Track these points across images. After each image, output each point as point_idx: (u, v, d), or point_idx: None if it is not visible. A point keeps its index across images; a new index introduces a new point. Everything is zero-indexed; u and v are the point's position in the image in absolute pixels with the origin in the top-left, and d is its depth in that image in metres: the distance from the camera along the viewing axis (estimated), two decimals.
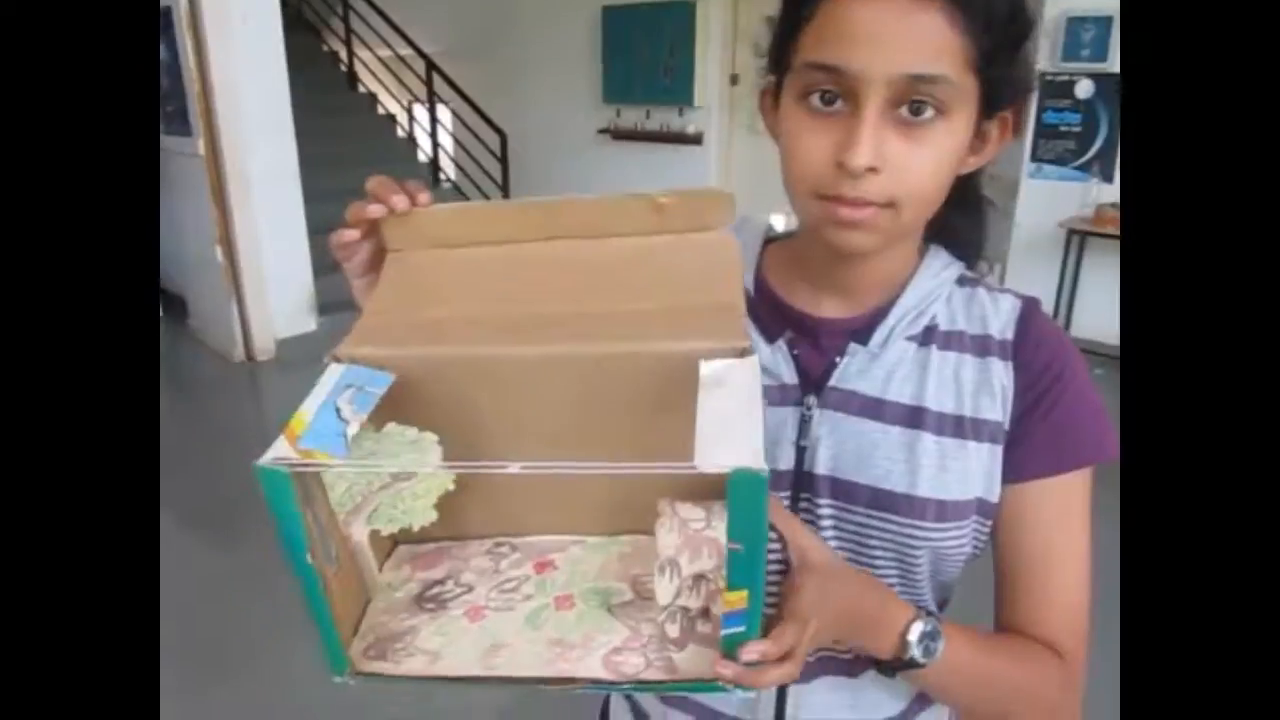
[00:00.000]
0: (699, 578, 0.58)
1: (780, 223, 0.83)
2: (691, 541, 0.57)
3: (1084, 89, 4.66)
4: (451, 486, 0.62)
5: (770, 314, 0.74)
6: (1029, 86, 0.67)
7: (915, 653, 0.64)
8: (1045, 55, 4.72)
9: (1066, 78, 4.70)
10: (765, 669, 0.55)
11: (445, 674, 0.59)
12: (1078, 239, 4.68)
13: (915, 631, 0.64)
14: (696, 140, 6.63)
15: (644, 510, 0.60)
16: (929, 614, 0.65)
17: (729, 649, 0.55)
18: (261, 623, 2.60)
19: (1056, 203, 4.78)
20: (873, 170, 0.59)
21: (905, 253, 0.72)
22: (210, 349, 5.04)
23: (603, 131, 7.21)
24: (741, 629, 0.54)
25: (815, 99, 0.61)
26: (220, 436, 4.06)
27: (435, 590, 0.66)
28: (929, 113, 0.59)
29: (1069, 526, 0.70)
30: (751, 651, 0.54)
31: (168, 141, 4.72)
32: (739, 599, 0.52)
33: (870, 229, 0.62)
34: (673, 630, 0.59)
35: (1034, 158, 4.89)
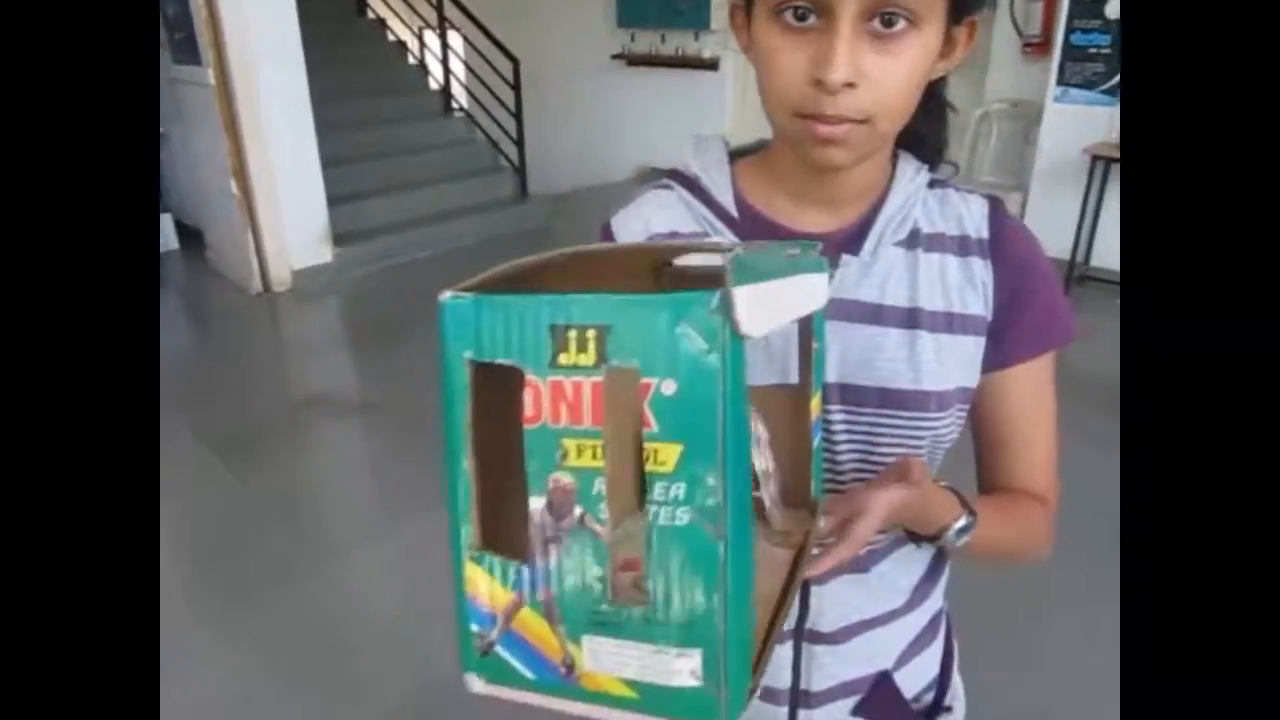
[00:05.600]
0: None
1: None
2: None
3: (1114, 8, 4.47)
4: None
5: (757, 232, 0.75)
6: None
7: (950, 540, 0.70)
8: None
9: None
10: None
11: None
12: (1102, 166, 4.57)
13: (954, 529, 0.70)
14: (712, 66, 6.48)
15: None
16: (971, 511, 0.70)
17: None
18: (280, 548, 2.68)
19: (1082, 128, 4.65)
20: (850, 85, 0.60)
21: (880, 162, 0.74)
22: (228, 281, 5.07)
23: (617, 57, 7.06)
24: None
25: (788, 15, 0.61)
26: (240, 368, 4.11)
27: None
28: (901, 23, 0.60)
29: (1044, 397, 0.79)
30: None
31: (179, 71, 4.67)
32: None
33: (848, 144, 0.64)
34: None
35: (1060, 81, 4.75)
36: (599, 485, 0.44)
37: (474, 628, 0.48)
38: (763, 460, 0.60)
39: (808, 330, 0.63)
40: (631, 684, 0.45)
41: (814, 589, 0.78)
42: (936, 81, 0.72)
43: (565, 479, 0.44)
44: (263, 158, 4.64)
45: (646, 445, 0.43)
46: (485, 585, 0.47)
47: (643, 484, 0.44)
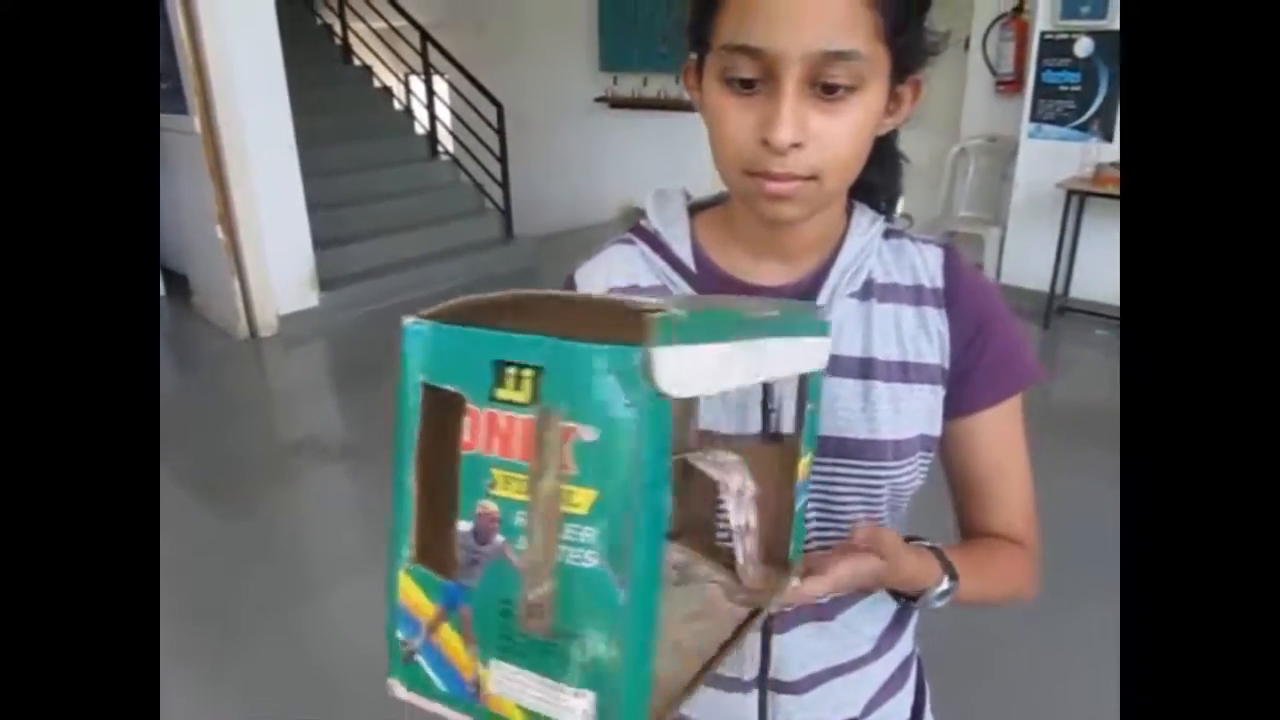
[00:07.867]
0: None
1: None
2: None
3: (1083, 47, 4.60)
4: None
5: (714, 286, 0.77)
6: (935, 49, 0.70)
7: (930, 602, 0.71)
8: (1044, 13, 4.67)
9: (1066, 36, 4.64)
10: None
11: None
12: (1077, 199, 4.65)
13: (935, 593, 0.71)
14: (694, 108, 6.58)
15: None
16: (952, 577, 0.70)
17: None
18: (268, 588, 2.65)
19: (1056, 163, 4.74)
20: (796, 146, 0.62)
21: (834, 214, 0.76)
22: (214, 326, 5.05)
23: (600, 100, 7.16)
24: None
25: (736, 80, 0.64)
26: (227, 413, 4.08)
27: None
28: (845, 87, 0.62)
29: (1013, 441, 0.80)
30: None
31: (164, 120, 4.69)
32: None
33: (797, 200, 0.66)
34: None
35: (1033, 117, 4.85)
36: (519, 518, 0.45)
37: (400, 635, 0.50)
38: (743, 515, 0.60)
39: (804, 389, 0.63)
40: (529, 713, 0.46)
41: (775, 638, 0.77)
42: (887, 135, 0.74)
43: (491, 506, 0.46)
44: (248, 203, 4.65)
45: (564, 487, 0.44)
46: (415, 596, 0.49)
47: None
